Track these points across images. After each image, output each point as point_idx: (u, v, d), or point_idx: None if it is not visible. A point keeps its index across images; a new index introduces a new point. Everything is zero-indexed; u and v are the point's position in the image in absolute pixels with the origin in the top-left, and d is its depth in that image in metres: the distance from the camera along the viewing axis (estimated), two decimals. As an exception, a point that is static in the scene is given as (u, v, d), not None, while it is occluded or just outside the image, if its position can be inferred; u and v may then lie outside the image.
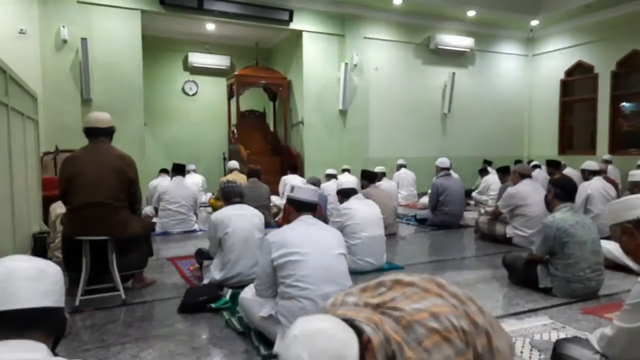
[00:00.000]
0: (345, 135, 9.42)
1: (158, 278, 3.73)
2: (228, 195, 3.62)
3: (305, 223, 2.47)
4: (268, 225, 5.25)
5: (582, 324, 2.73)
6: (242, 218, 3.40)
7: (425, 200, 7.34)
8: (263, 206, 5.64)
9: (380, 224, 4.06)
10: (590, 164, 5.69)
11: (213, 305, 2.98)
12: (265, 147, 10.16)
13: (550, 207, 3.43)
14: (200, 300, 3.01)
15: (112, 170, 3.17)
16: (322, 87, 9.25)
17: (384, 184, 6.85)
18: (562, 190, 3.34)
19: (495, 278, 3.72)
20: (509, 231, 4.94)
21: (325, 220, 4.92)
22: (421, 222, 6.29)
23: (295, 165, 8.41)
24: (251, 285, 2.58)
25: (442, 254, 4.72)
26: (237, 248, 3.31)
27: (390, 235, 5.25)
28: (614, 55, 9.40)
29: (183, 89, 10.85)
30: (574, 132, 10.76)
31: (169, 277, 3.82)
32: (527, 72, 11.32)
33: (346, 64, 9.06)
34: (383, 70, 9.73)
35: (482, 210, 5.98)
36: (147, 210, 6.06)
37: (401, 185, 8.52)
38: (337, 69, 9.24)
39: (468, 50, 10.33)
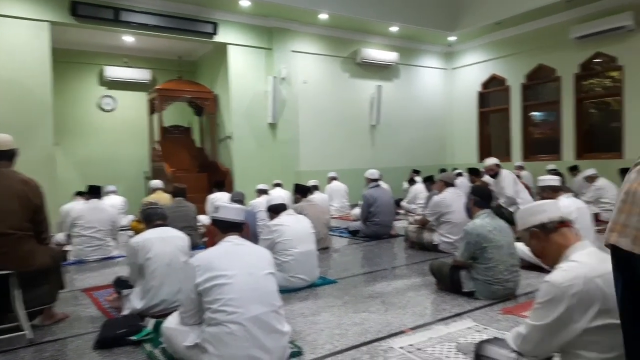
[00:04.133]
0: (275, 148, 9.36)
1: (71, 312, 3.41)
2: (149, 218, 3.41)
3: (232, 244, 2.39)
4: (196, 246, 5.04)
5: (502, 324, 2.86)
6: (164, 241, 3.22)
7: (357, 211, 7.43)
8: (190, 227, 5.41)
9: (312, 238, 4.02)
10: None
11: (134, 338, 2.77)
12: (191, 163, 9.81)
13: (470, 213, 3.60)
14: (119, 333, 2.78)
15: (14, 197, 2.89)
16: (251, 101, 9.15)
17: (316, 197, 6.86)
18: (480, 198, 3.53)
19: (424, 285, 3.81)
20: (436, 238, 5.12)
21: (255, 237, 4.80)
22: (353, 233, 6.35)
23: (222, 181, 7.98)
24: (175, 313, 2.44)
25: (374, 265, 4.77)
26: (160, 274, 3.12)
27: (323, 249, 5.24)
28: (522, 69, 10.21)
29: (99, 105, 10.25)
30: (491, 140, 11.50)
31: (84, 310, 3.51)
32: (448, 85, 11.97)
33: (274, 77, 9.04)
34: (311, 83, 9.82)
35: (411, 219, 6.15)
36: (59, 237, 5.56)
37: (333, 198, 8.59)
38: (265, 82, 9.19)
39: (392, 63, 10.72)
